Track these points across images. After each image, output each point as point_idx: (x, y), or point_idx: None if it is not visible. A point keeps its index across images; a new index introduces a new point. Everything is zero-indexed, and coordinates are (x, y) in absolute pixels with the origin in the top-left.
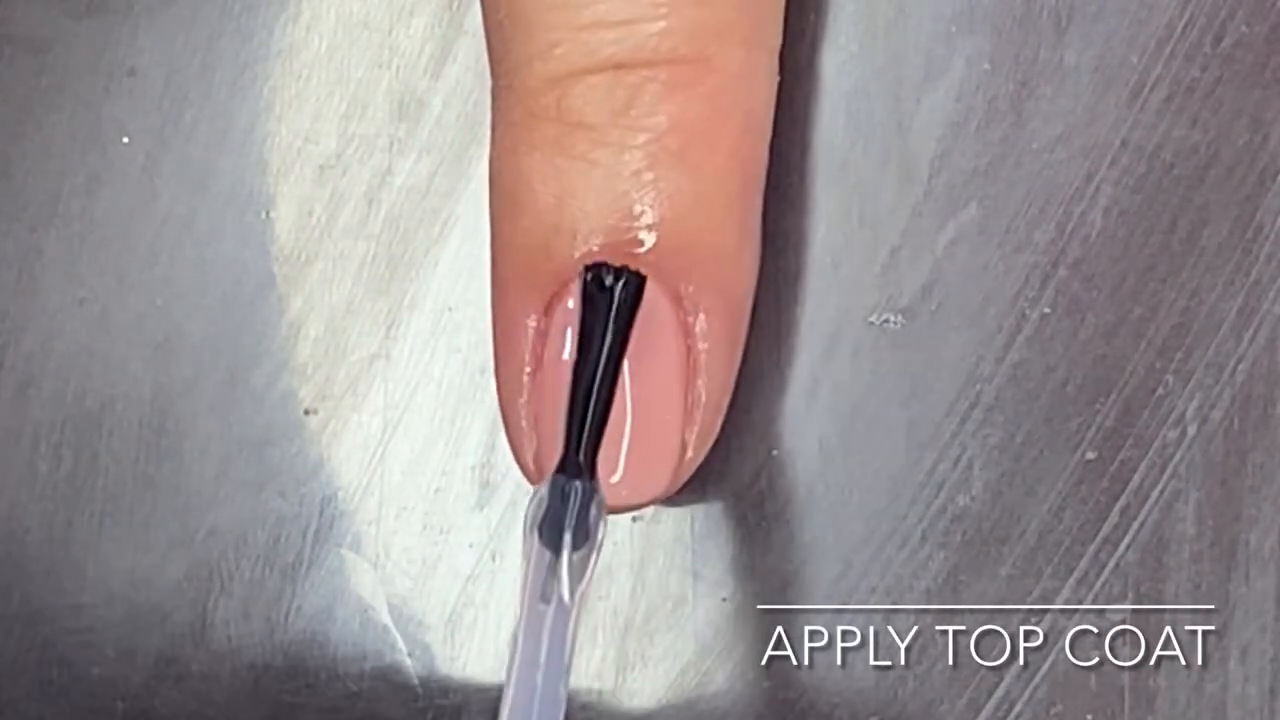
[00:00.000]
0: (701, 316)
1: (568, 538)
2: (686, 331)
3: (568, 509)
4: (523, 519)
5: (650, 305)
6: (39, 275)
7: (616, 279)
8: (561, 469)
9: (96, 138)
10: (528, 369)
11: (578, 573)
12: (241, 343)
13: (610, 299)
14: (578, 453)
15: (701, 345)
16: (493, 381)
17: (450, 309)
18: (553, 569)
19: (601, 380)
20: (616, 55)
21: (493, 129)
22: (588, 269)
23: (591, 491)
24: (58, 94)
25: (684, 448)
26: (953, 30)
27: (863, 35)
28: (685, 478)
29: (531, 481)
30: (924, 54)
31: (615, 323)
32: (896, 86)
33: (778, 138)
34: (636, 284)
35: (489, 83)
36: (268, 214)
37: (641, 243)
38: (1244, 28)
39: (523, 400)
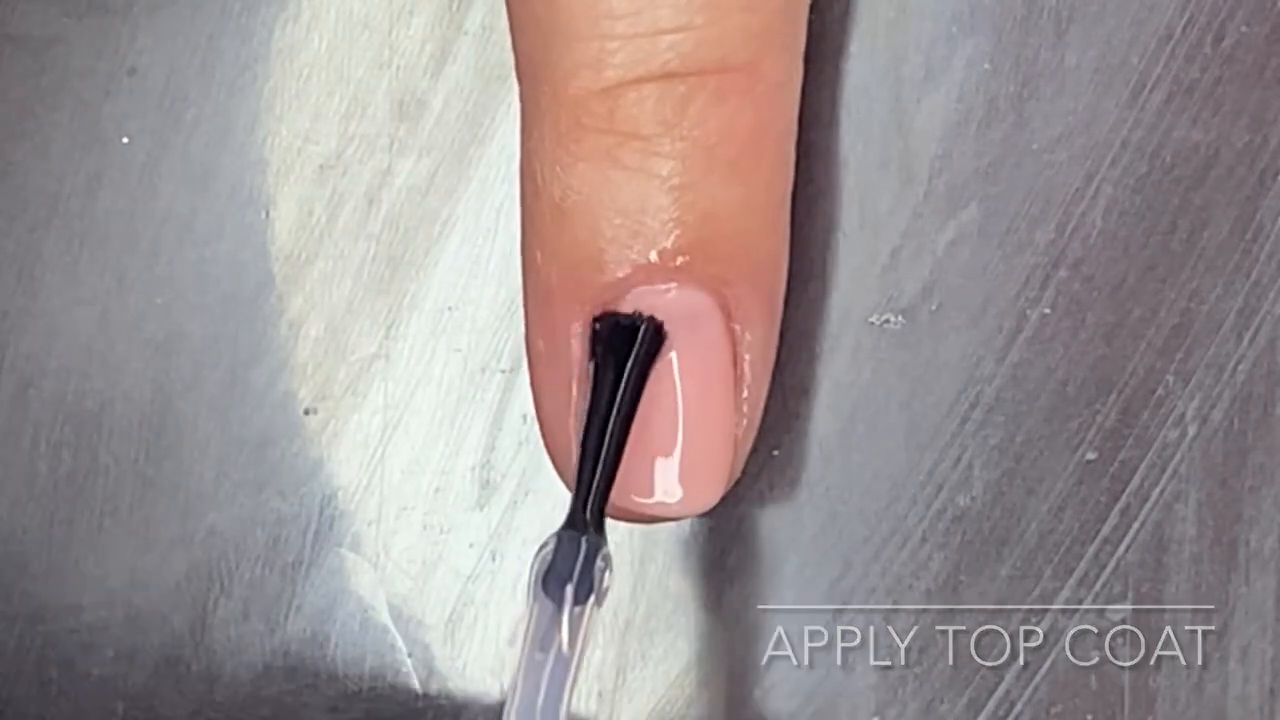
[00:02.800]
0: (749, 325)
1: (570, 591)
2: (735, 340)
3: (574, 563)
4: (528, 567)
5: (701, 316)
6: (39, 275)
7: (635, 327)
8: (570, 523)
9: (96, 138)
10: (576, 380)
11: (578, 625)
12: (241, 342)
13: (628, 347)
14: (585, 507)
15: (747, 355)
16: (493, 381)
17: (450, 309)
18: (554, 620)
19: (613, 432)
20: (669, 63)
21: (528, 136)
22: (596, 319)
23: (598, 546)
24: (58, 94)
25: (736, 458)
26: (953, 30)
27: (863, 35)
28: (732, 485)
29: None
30: (924, 54)
31: (632, 373)
32: (897, 86)
33: None
34: (655, 332)
35: (489, 83)
36: (268, 214)
37: (693, 253)
38: (1244, 28)
39: (570, 413)
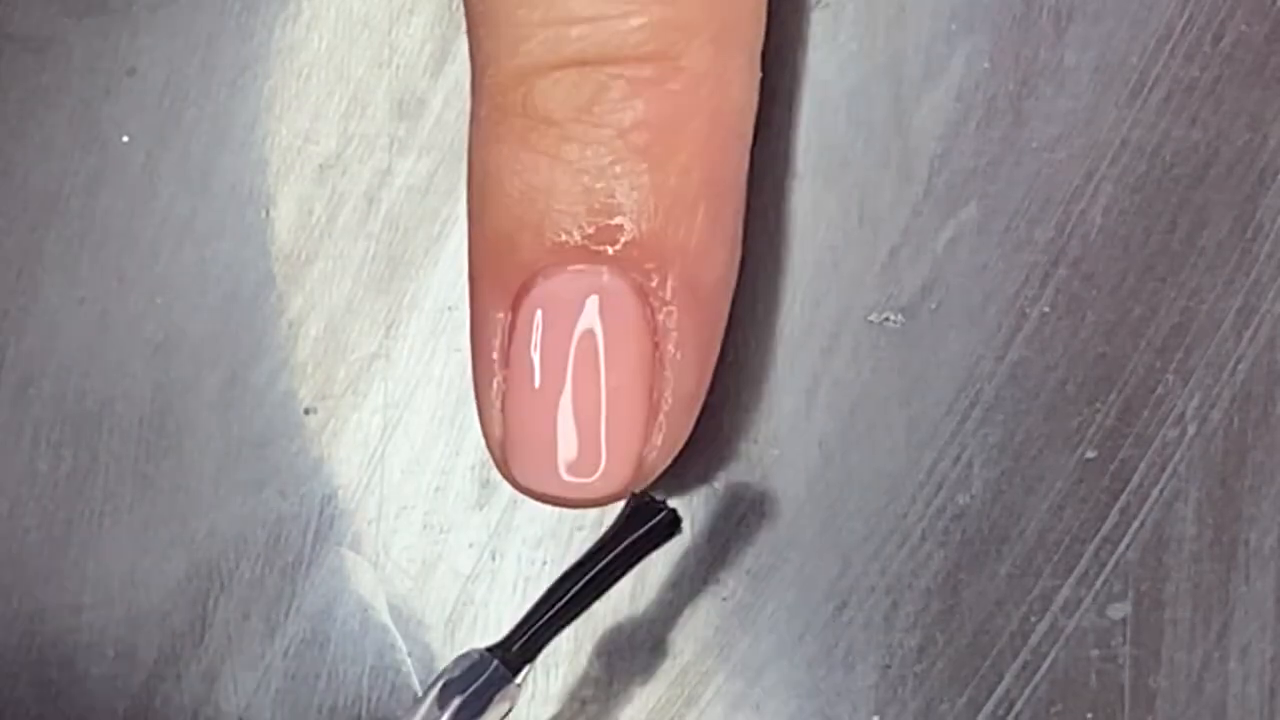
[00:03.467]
0: (669, 311)
1: (456, 703)
2: (653, 326)
3: (474, 683)
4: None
5: (614, 300)
6: (39, 275)
7: (659, 511)
8: (498, 645)
9: (96, 137)
10: (496, 358)
11: None
12: (241, 342)
13: (644, 526)
14: (518, 642)
15: (669, 342)
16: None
17: (450, 308)
18: None
19: (585, 595)
20: (583, 51)
21: (470, 124)
22: (634, 496)
23: (506, 680)
24: (58, 94)
25: (649, 446)
26: (953, 29)
27: (863, 34)
28: (651, 476)
29: (499, 469)
30: (924, 53)
31: (633, 550)
32: (896, 86)
33: (778, 138)
34: (672, 522)
35: None
36: (268, 213)
37: (606, 236)
38: (1244, 27)
39: (493, 391)
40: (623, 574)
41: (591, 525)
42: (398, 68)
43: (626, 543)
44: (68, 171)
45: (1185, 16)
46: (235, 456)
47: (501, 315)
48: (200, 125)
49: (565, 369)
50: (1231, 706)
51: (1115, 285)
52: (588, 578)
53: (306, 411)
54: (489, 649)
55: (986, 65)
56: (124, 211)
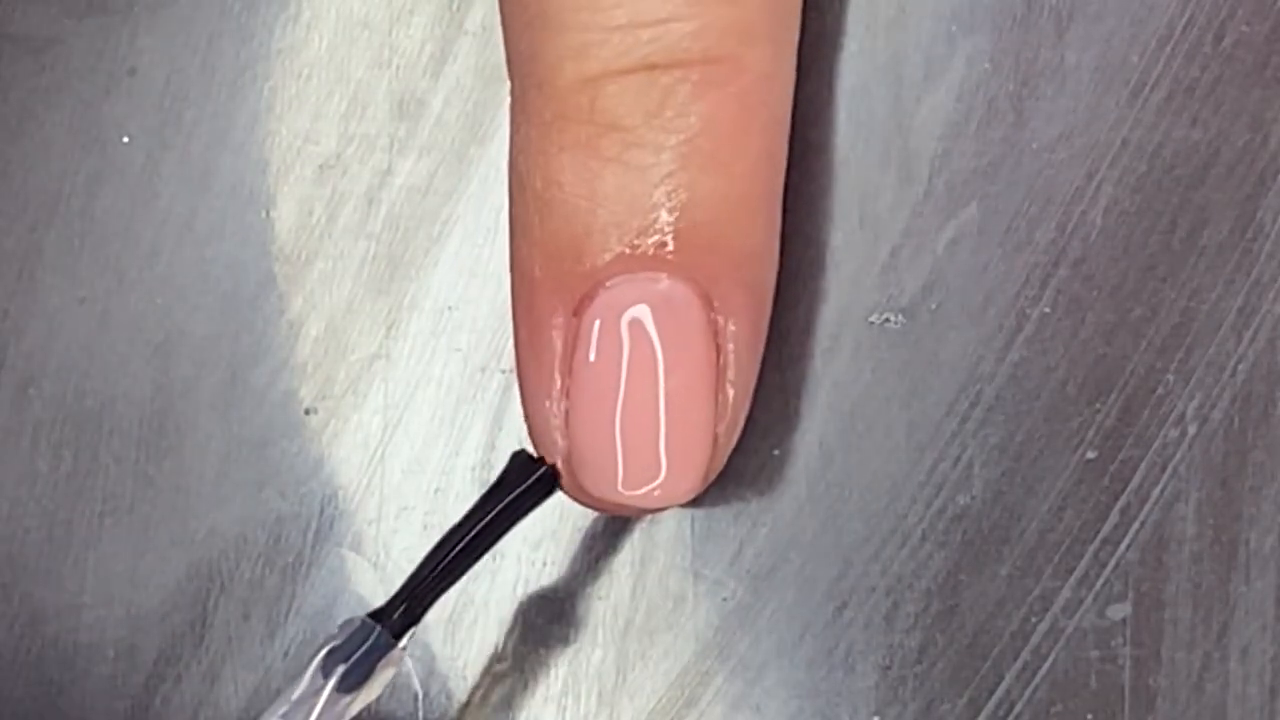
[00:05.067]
0: (731, 317)
1: (340, 670)
2: (717, 332)
3: (356, 650)
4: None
5: (681, 307)
6: (39, 275)
7: (536, 468)
8: (379, 612)
9: (96, 138)
10: (558, 369)
11: (337, 709)
12: (241, 342)
13: (523, 484)
14: (399, 608)
15: (730, 346)
16: (493, 381)
17: (450, 309)
18: (318, 693)
19: (466, 554)
20: (650, 55)
21: (515, 130)
22: (515, 455)
23: (388, 647)
24: (58, 94)
25: (715, 450)
26: (953, 29)
27: (863, 34)
28: (712, 479)
29: (560, 485)
30: (924, 53)
31: (513, 508)
32: (897, 86)
33: None
34: (551, 480)
35: (489, 83)
36: (268, 213)
37: (673, 243)
38: (1244, 27)
39: (551, 401)
40: (504, 532)
41: (591, 526)
42: (398, 68)
43: (505, 501)
44: (68, 171)
45: (1185, 16)
46: (235, 456)
47: (562, 324)
48: (200, 125)
49: (635, 377)
50: (1231, 706)
51: (1115, 285)
52: (468, 538)
53: (306, 411)
54: (371, 614)
55: (987, 65)
56: (124, 211)
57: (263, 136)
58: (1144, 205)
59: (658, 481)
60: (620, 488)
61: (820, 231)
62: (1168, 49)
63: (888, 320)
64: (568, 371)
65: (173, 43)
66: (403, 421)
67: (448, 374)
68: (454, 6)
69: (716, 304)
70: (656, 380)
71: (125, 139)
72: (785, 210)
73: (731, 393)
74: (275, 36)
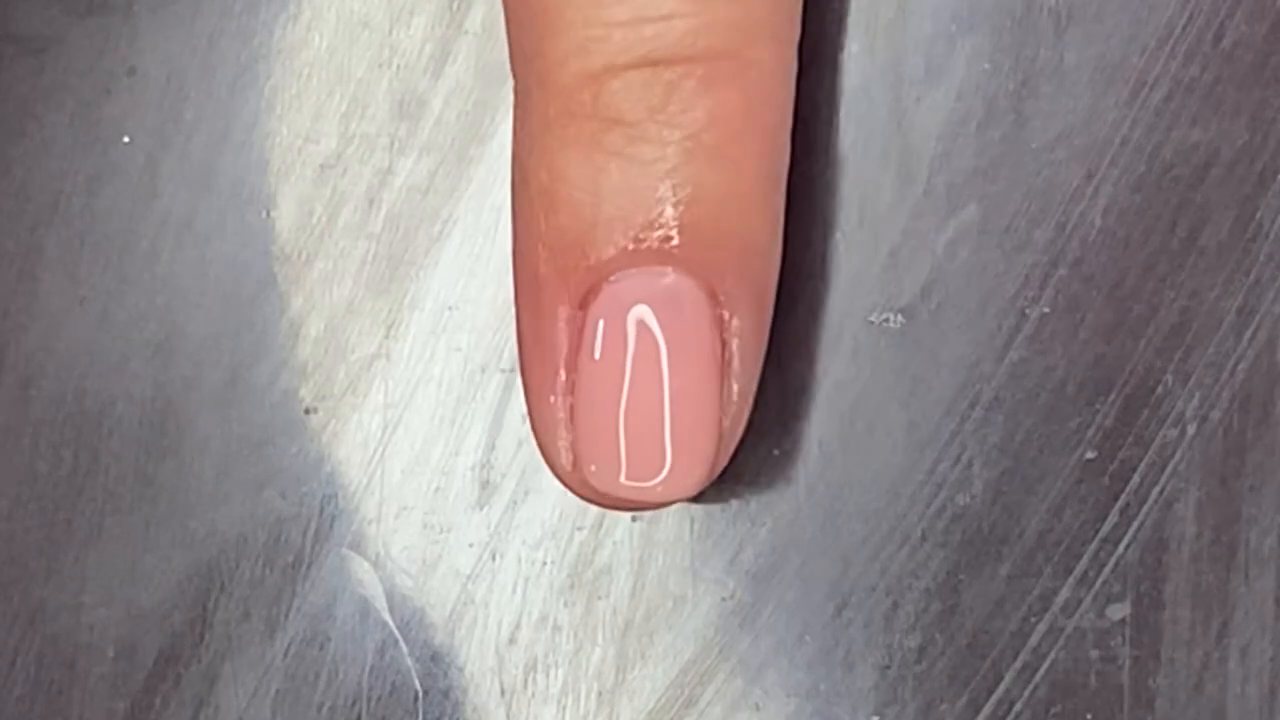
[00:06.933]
0: (735, 311)
1: None
2: (722, 327)
3: None
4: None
5: (686, 301)
6: (39, 275)
7: None
8: None
9: (96, 138)
10: (563, 364)
11: None
12: (242, 342)
13: None
14: None
15: (735, 340)
16: (493, 380)
17: (450, 308)
18: None
19: None
20: (654, 51)
21: (519, 127)
22: None
23: None
24: (58, 94)
25: (720, 444)
26: (953, 30)
27: (863, 34)
28: (718, 474)
29: (564, 481)
30: (924, 53)
31: None
32: (896, 86)
33: None
34: None
35: (489, 83)
36: (268, 213)
37: (677, 238)
38: (1244, 27)
39: (556, 396)
40: None
41: (591, 526)
42: (398, 68)
43: None
44: (68, 171)
45: (1185, 16)
46: (235, 456)
47: (567, 319)
48: (200, 125)
49: (640, 371)
50: (1231, 707)
51: (1115, 285)
52: None
53: (306, 411)
54: None
55: (986, 65)
56: (124, 211)
57: (263, 136)
58: (1144, 205)
59: (661, 476)
60: (624, 481)
61: (820, 231)
62: (1167, 49)
63: (888, 320)
64: (573, 366)
65: (173, 43)
66: (403, 421)
67: (448, 374)
68: (454, 6)
69: (721, 298)
70: (661, 375)
71: (125, 139)
72: (786, 210)
73: (736, 386)
74: (275, 36)
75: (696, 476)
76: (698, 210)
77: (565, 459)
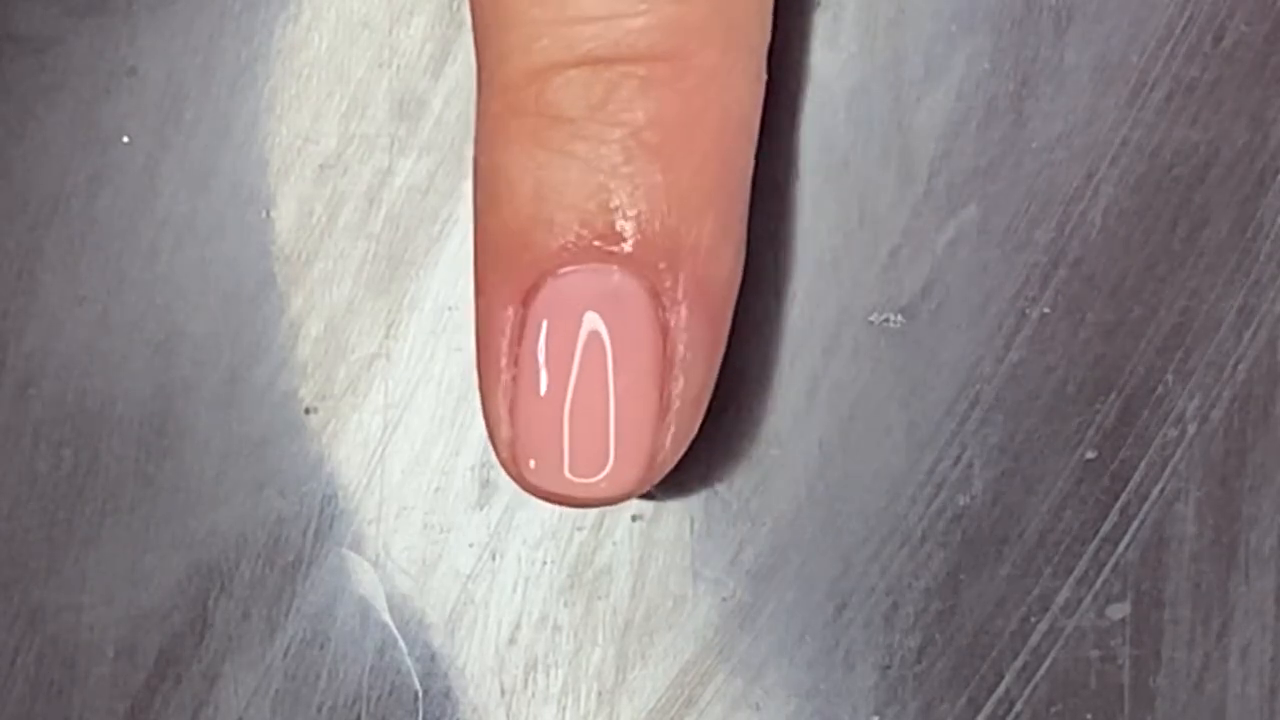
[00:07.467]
0: (680, 312)
1: None
2: (664, 327)
3: None
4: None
5: (628, 299)
6: (39, 275)
7: None
8: None
9: (96, 138)
10: (504, 358)
11: None
12: (242, 342)
13: None
14: None
15: (679, 342)
16: None
17: (450, 309)
18: None
19: None
20: (596, 50)
21: (475, 123)
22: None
23: None
24: (58, 94)
25: (658, 446)
26: (953, 30)
27: (863, 35)
28: (659, 476)
29: (506, 469)
30: (924, 53)
31: None
32: (896, 86)
33: (778, 138)
34: None
35: None
36: (268, 213)
37: (618, 235)
38: (1244, 27)
39: (501, 391)
40: None
41: (591, 526)
42: (398, 68)
43: None
44: (68, 171)
45: (1185, 16)
46: (235, 456)
47: (510, 314)
48: (200, 125)
49: (581, 368)
50: (1231, 706)
51: (1115, 285)
52: None
53: (306, 411)
54: None
55: (986, 65)
56: (124, 211)
57: (263, 136)
58: (1144, 205)
59: (604, 473)
60: (567, 477)
61: (820, 231)
62: (1167, 49)
63: (888, 320)
64: (513, 362)
65: (173, 43)
66: (403, 421)
67: (448, 374)
68: (454, 6)
69: (665, 298)
70: (604, 372)
71: (125, 139)
72: (786, 210)
73: (680, 384)
74: (275, 36)
75: (636, 476)
76: (637, 209)
77: (505, 454)
